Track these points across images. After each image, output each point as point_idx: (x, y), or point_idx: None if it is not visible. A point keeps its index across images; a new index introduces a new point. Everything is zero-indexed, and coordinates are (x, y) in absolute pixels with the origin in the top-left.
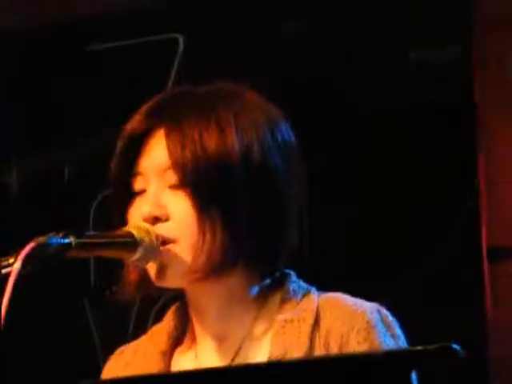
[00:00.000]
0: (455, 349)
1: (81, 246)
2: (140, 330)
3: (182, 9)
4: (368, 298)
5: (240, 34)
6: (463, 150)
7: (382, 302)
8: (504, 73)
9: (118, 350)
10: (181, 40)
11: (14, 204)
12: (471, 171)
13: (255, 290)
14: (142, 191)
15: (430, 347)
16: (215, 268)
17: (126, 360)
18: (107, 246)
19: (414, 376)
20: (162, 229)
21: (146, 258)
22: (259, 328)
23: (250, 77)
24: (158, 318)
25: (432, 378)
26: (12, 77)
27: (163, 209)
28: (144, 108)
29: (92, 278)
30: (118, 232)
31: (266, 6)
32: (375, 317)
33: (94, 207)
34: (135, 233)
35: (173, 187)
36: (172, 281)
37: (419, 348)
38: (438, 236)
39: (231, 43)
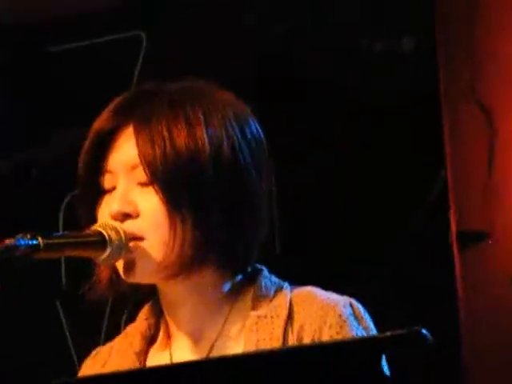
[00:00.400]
0: (423, 333)
1: (49, 247)
2: (113, 331)
3: (145, 5)
4: (338, 289)
5: (202, 29)
6: (430, 136)
7: (353, 293)
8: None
9: (94, 352)
10: (144, 37)
11: None
12: (438, 158)
13: (227, 286)
14: (111, 189)
15: (398, 332)
16: (186, 264)
17: (101, 361)
18: (76, 245)
19: (384, 363)
20: (131, 225)
21: (115, 256)
22: (233, 325)
23: (213, 74)
24: (131, 319)
25: (405, 366)
26: None
27: (133, 205)
28: (112, 105)
29: (63, 280)
30: (87, 231)
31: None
32: (347, 310)
33: (62, 208)
34: (103, 231)
35: (142, 184)
36: (140, 276)
37: (387, 334)
38: (406, 223)
39: (194, 39)
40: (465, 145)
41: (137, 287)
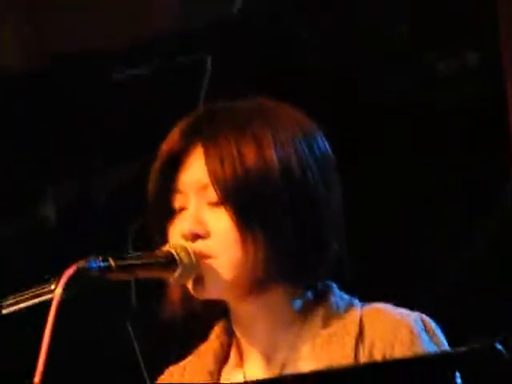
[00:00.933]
0: (498, 348)
1: (121, 268)
2: (185, 353)
3: (207, 28)
4: (407, 305)
5: (264, 50)
6: (498, 149)
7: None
8: None
9: (167, 371)
10: (208, 60)
11: (52, 235)
12: (505, 166)
13: (298, 304)
14: (182, 209)
15: (472, 347)
16: (258, 283)
17: (176, 381)
18: (147, 266)
19: (459, 379)
20: (202, 246)
21: (185, 276)
22: (304, 343)
23: (277, 93)
24: (202, 338)
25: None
26: (39, 108)
27: (203, 226)
28: (180, 126)
29: (133, 300)
30: (157, 252)
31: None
32: (419, 326)
33: (131, 234)
34: (174, 252)
35: (213, 204)
36: (210, 291)
37: (461, 349)
38: (477, 234)
39: (257, 60)
40: None
41: (209, 307)
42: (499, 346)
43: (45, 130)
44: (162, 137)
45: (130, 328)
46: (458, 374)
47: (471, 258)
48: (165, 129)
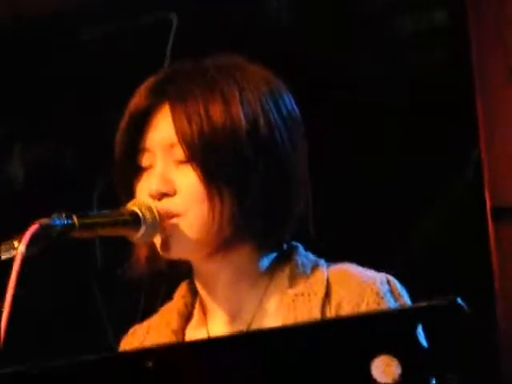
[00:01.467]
0: (459, 303)
1: (84, 226)
2: (150, 311)
3: None
4: (372, 263)
5: (233, 8)
6: (464, 113)
7: (386, 267)
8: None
9: (131, 330)
10: (174, 18)
11: (16, 194)
12: (473, 134)
13: (264, 263)
14: (149, 167)
15: (434, 302)
16: (224, 241)
17: (139, 338)
18: (110, 225)
19: (421, 333)
20: (169, 203)
21: (149, 235)
22: (270, 302)
23: (244, 52)
24: (166, 299)
25: (442, 338)
26: (6, 66)
27: (170, 184)
28: (147, 84)
29: (98, 260)
30: (121, 211)
31: None
32: (384, 288)
33: (96, 191)
34: (137, 210)
35: (180, 162)
36: (177, 251)
37: (423, 304)
38: (440, 199)
39: (225, 18)
40: (499, 121)
41: (173, 265)
42: (460, 301)
43: (13, 91)
44: (129, 95)
45: (95, 287)
46: (420, 329)
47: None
48: (131, 87)
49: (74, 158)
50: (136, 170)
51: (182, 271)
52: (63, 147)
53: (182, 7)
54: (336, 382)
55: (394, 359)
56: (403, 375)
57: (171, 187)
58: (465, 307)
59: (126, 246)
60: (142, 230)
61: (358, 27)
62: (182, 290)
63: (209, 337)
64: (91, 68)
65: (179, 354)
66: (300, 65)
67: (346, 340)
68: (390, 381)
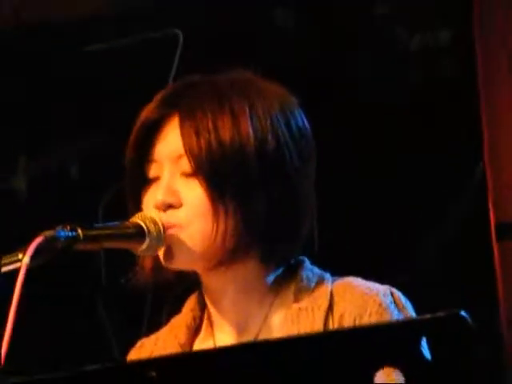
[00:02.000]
0: (463, 316)
1: (88, 239)
2: (154, 325)
3: (180, 3)
4: (377, 278)
5: (239, 25)
6: (469, 128)
7: (391, 283)
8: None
9: (139, 343)
10: (180, 35)
11: (22, 208)
12: (477, 149)
13: (270, 278)
14: (156, 178)
15: (438, 315)
16: (228, 255)
17: (147, 352)
18: (115, 237)
19: (425, 346)
20: (174, 215)
21: (153, 248)
22: (275, 317)
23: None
24: (173, 312)
25: (445, 351)
26: (10, 79)
27: (176, 196)
28: (158, 96)
29: (103, 272)
30: (126, 223)
31: None
32: (387, 299)
33: (102, 204)
34: (142, 223)
35: (186, 175)
36: (179, 261)
37: (427, 316)
38: (445, 214)
39: (232, 35)
40: (504, 136)
41: (181, 277)
42: (464, 314)
43: (16, 102)
44: (133, 111)
45: (99, 302)
46: (424, 341)
47: (445, 237)
48: (136, 103)
49: (79, 170)
50: (144, 182)
51: (190, 283)
52: (68, 159)
53: (188, 23)
54: None
55: (398, 371)
56: None
57: (177, 199)
58: (469, 320)
59: (131, 258)
60: (147, 243)
61: (364, 40)
62: (190, 302)
63: (213, 347)
64: (96, 82)
65: (183, 363)
66: (303, 75)
67: (349, 351)
68: None
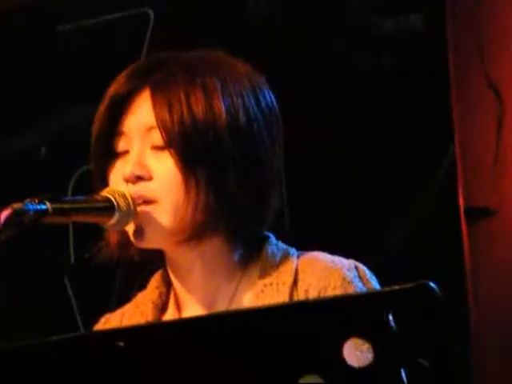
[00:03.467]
0: (431, 286)
1: (57, 212)
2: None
3: None
4: (346, 257)
5: (209, 5)
6: (439, 112)
7: (362, 262)
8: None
9: (103, 319)
10: (151, 14)
11: None
12: (447, 133)
13: (237, 254)
14: (125, 152)
15: (406, 286)
16: (198, 230)
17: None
18: (84, 211)
19: (391, 319)
20: (144, 188)
21: (122, 222)
22: (243, 293)
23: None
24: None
25: (413, 322)
26: None
27: (146, 168)
28: (128, 70)
29: (72, 252)
30: (95, 197)
31: None
32: (352, 273)
33: (72, 183)
34: (111, 197)
35: (157, 148)
36: (150, 241)
37: (394, 287)
38: (414, 198)
39: (202, 16)
40: (473, 120)
41: (146, 254)
42: (431, 284)
43: None
44: (103, 87)
45: (67, 281)
46: (390, 314)
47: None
48: (107, 80)
49: (48, 148)
50: (111, 156)
51: (154, 260)
52: (37, 138)
53: (159, 3)
54: (307, 365)
55: (366, 342)
56: (375, 359)
57: (147, 171)
58: (436, 290)
59: (99, 235)
60: (116, 217)
61: (338, 26)
62: (155, 280)
63: (180, 318)
64: (66, 61)
65: (151, 334)
66: (278, 59)
67: (316, 323)
68: (361, 364)
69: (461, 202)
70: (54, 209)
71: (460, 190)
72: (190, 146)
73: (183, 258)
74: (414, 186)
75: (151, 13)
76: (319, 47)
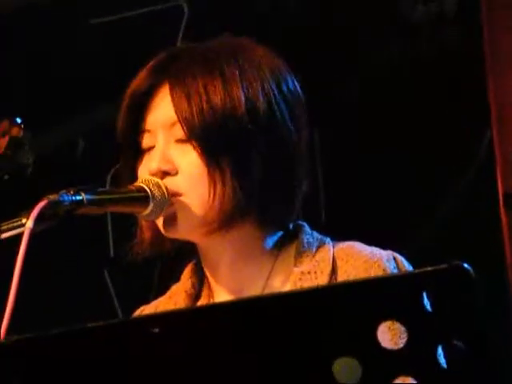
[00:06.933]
0: (465, 267)
1: (92, 202)
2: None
3: None
4: (384, 247)
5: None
6: (475, 97)
7: (399, 251)
8: None
9: (138, 311)
10: (185, 6)
11: (29, 182)
12: (484, 119)
13: (269, 242)
14: (150, 148)
15: (439, 267)
16: (226, 219)
17: None
18: (119, 201)
19: (426, 299)
20: (170, 183)
21: (157, 212)
22: (276, 281)
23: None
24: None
25: (449, 304)
26: (16, 54)
27: (171, 163)
28: (148, 65)
29: (112, 249)
30: (129, 187)
31: None
32: (391, 264)
33: (108, 180)
34: (146, 187)
35: (180, 141)
36: (181, 231)
37: (428, 269)
38: (453, 186)
39: (235, 9)
40: (511, 106)
41: (179, 247)
42: (466, 265)
43: (21, 76)
44: None
45: (107, 275)
46: (424, 295)
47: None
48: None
49: (85, 144)
50: (137, 152)
51: (186, 253)
52: (74, 134)
53: None
54: (342, 347)
55: (401, 325)
56: (409, 341)
57: (172, 166)
58: (471, 271)
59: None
60: (151, 206)
61: (369, 11)
62: (188, 271)
63: (215, 302)
64: (100, 55)
65: (185, 319)
66: (309, 46)
67: (351, 306)
68: (396, 346)
69: (500, 188)
70: (88, 199)
71: (499, 177)
72: (211, 136)
73: (213, 247)
74: (452, 174)
75: (185, 6)
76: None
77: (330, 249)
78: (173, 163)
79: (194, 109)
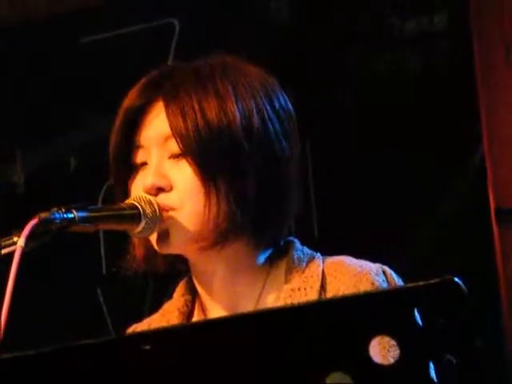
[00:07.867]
0: (456, 282)
1: (84, 220)
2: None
3: None
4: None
5: (235, 15)
6: (467, 111)
7: (389, 264)
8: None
9: (131, 328)
10: (177, 24)
11: (20, 199)
12: (475, 133)
13: (261, 259)
14: (144, 164)
15: (431, 282)
16: (221, 236)
17: None
18: (110, 218)
19: (417, 314)
20: (165, 199)
21: (149, 229)
22: (267, 299)
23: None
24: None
25: (440, 318)
26: (10, 72)
27: (166, 179)
28: (141, 82)
29: (104, 266)
30: (121, 204)
31: None
32: (380, 278)
33: (102, 196)
34: (137, 204)
35: (174, 157)
36: (174, 247)
37: (420, 283)
38: (445, 199)
39: (226, 25)
40: (502, 118)
41: (172, 265)
42: (457, 280)
43: (14, 94)
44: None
45: (99, 293)
46: (416, 311)
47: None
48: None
49: (77, 162)
50: (130, 169)
51: (179, 270)
52: (65, 152)
53: (184, 13)
54: (334, 363)
55: (392, 340)
56: (401, 356)
57: (167, 182)
58: (462, 285)
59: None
60: (142, 224)
61: (359, 27)
62: (180, 288)
63: (206, 319)
64: (92, 72)
65: (177, 336)
66: (300, 64)
67: (343, 321)
68: (387, 362)
69: (491, 202)
70: (80, 217)
71: (490, 191)
72: (206, 152)
73: (206, 264)
74: (443, 187)
75: (176, 23)
76: (344, 47)
77: (320, 264)
78: (167, 179)
79: (190, 125)
